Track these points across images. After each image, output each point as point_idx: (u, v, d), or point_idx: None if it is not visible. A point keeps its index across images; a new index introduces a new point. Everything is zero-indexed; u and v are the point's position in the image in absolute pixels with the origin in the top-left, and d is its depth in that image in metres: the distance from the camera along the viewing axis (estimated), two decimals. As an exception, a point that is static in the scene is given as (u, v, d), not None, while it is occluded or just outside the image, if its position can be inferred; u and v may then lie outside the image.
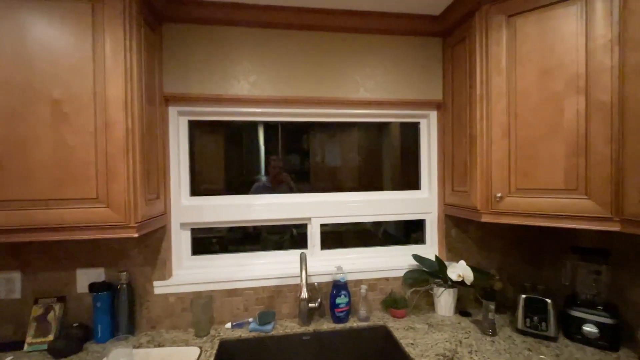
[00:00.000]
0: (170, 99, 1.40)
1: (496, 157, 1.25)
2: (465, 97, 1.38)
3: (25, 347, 1.21)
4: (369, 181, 2.47)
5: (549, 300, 1.26)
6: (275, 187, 1.84)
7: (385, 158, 2.37)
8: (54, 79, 1.01)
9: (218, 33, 1.40)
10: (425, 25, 1.52)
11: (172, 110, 1.43)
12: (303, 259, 1.27)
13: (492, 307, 1.30)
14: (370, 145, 2.59)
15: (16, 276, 1.28)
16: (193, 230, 1.52)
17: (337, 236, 1.89)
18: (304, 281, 1.19)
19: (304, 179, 2.28)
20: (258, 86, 1.43)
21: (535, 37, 1.16)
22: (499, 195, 1.23)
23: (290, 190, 1.84)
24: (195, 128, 2.09)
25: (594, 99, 1.05)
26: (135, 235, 1.07)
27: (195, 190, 1.55)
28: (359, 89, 1.52)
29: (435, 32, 1.54)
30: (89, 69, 1.03)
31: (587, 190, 1.07)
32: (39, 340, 1.23)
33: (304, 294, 1.16)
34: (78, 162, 1.03)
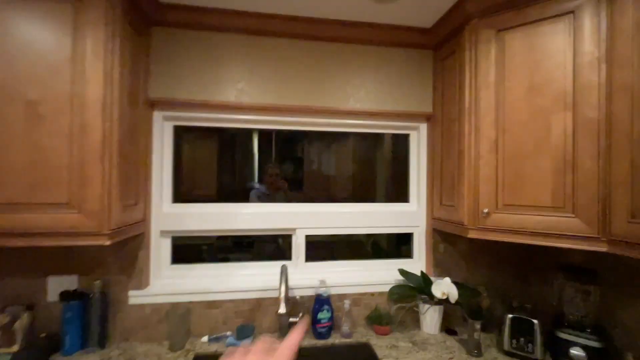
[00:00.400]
0: (155, 104, 1.38)
1: (484, 172, 1.23)
2: (454, 110, 1.37)
3: (-12, 358, 1.15)
4: (359, 192, 2.45)
5: (535, 321, 1.22)
6: (272, 194, 1.82)
7: (376, 169, 2.35)
8: (31, 80, 0.98)
9: (207, 39, 1.39)
10: (416, 38, 1.52)
11: (157, 115, 1.41)
12: (284, 272, 1.23)
13: (478, 326, 1.26)
14: (361, 156, 2.58)
15: (-16, 282, 1.23)
16: (178, 238, 1.48)
17: (325, 246, 1.85)
18: (282, 295, 1.15)
19: (294, 187, 2.25)
20: (246, 93, 1.41)
21: (523, 53, 1.15)
22: (486, 211, 1.20)
23: (287, 197, 1.82)
24: (185, 134, 2.07)
25: (581, 116, 1.04)
26: (107, 243, 1.03)
27: (184, 197, 1.51)
28: (349, 99, 1.50)
29: (427, 44, 1.54)
30: (67, 70, 1.00)
31: (574, 208, 1.05)
32: (3, 350, 1.17)
33: (282, 309, 1.11)
34: (51, 166, 0.99)
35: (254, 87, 1.42)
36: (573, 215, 1.05)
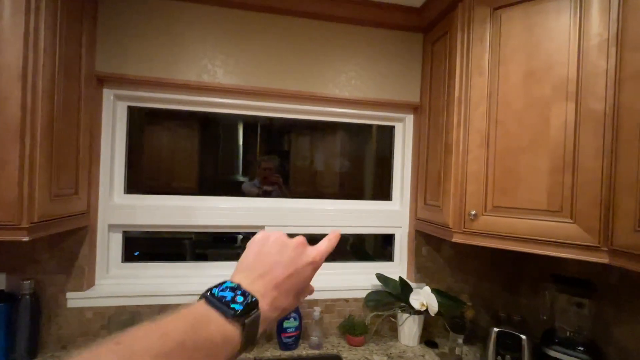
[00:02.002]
0: (104, 80, 1.21)
1: (472, 169, 1.09)
2: (442, 100, 1.22)
3: None
4: (342, 187, 2.30)
5: (523, 337, 1.10)
6: (266, 190, 1.66)
7: (359, 164, 2.20)
8: None
9: (167, 8, 1.21)
10: (404, 19, 1.36)
11: (107, 93, 1.23)
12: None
13: (460, 341, 1.13)
14: (348, 149, 2.42)
15: None
16: (152, 232, 1.32)
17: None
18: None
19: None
20: (209, 72, 1.25)
21: (521, 34, 1.01)
22: (473, 213, 1.07)
23: (282, 193, 1.67)
24: (160, 120, 1.89)
25: (584, 107, 0.90)
26: (26, 238, 0.86)
27: (155, 188, 1.36)
28: (328, 84, 1.35)
29: (416, 26, 1.39)
30: (-24, 28, 0.83)
31: (573, 213, 0.92)
32: None
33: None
34: (-46, 144, 0.82)
35: (219, 66, 1.25)
36: (571, 221, 0.92)
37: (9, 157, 0.85)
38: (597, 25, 0.89)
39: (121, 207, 1.27)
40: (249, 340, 0.34)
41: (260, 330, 0.36)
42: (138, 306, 1.20)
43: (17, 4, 0.85)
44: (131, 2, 1.18)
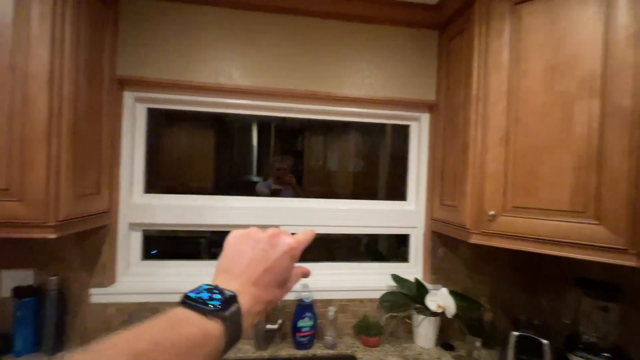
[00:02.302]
0: (125, 83, 1.24)
1: (491, 169, 1.06)
2: (459, 98, 1.20)
3: None
4: (356, 187, 2.29)
5: (545, 342, 1.06)
6: (280, 189, 1.68)
7: (373, 164, 2.19)
8: (-36, 46, 0.85)
9: (185, 12, 1.24)
10: (420, 16, 1.34)
11: (128, 96, 1.27)
12: (258, 275, 1.09)
13: (478, 344, 1.10)
14: (362, 149, 2.41)
15: None
16: (170, 231, 1.35)
17: (315, 244, 1.71)
18: (254, 302, 1.01)
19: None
20: (226, 74, 1.26)
21: (543, 28, 0.97)
22: (491, 213, 1.04)
23: (295, 194, 1.68)
24: (179, 122, 1.93)
25: (611, 103, 0.87)
26: (53, 236, 0.90)
27: (170, 188, 1.39)
28: (343, 84, 1.34)
29: (431, 24, 1.36)
30: (7, 36, 0.87)
31: (598, 213, 0.88)
32: (-54, 350, 1.06)
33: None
34: (-14, 147, 0.86)
35: (235, 68, 1.27)
36: (596, 222, 0.88)
37: (37, 158, 0.89)
38: (626, 17, 0.85)
39: (141, 207, 1.30)
40: (235, 333, 0.34)
41: (247, 323, 0.36)
42: (158, 303, 1.23)
43: (44, 11, 0.89)
44: (150, 7, 1.21)
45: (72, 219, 0.98)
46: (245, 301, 0.37)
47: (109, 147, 1.20)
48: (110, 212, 1.22)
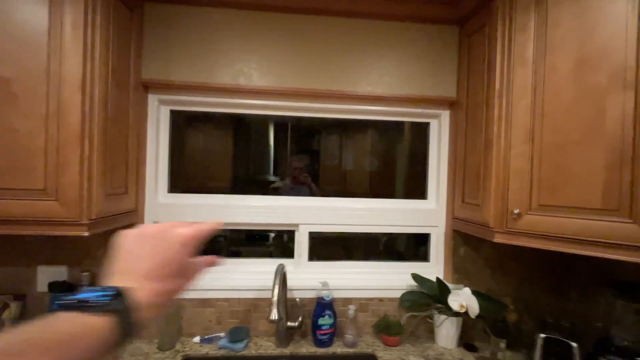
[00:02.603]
0: (149, 86, 1.29)
1: (515, 166, 1.04)
2: (481, 94, 1.17)
3: (-25, 348, 1.11)
4: (375, 187, 2.27)
5: (574, 344, 1.03)
6: (296, 188, 1.70)
7: (395, 163, 2.17)
8: (4, 55, 0.90)
9: (205, 15, 1.27)
10: (439, 12, 1.32)
11: (152, 99, 1.31)
12: (279, 272, 1.11)
13: (503, 345, 1.08)
14: (379, 149, 2.39)
15: (-25, 269, 1.20)
16: None
17: (331, 243, 1.72)
18: (275, 298, 1.02)
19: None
20: (245, 75, 1.29)
21: (571, 20, 0.94)
22: (516, 211, 1.01)
23: (311, 192, 1.70)
24: (197, 122, 1.98)
25: (646, 97, 0.83)
26: (86, 234, 0.95)
27: (190, 188, 1.44)
28: (360, 82, 1.34)
29: (451, 19, 1.34)
30: (43, 43, 0.92)
31: (632, 212, 0.84)
32: (-10, 340, 1.13)
33: (274, 315, 0.99)
34: (25, 149, 0.91)
35: (254, 68, 1.29)
36: (630, 221, 0.85)
37: (71, 159, 0.93)
38: (661, 5, 0.81)
39: (165, 206, 1.34)
40: (128, 326, 0.35)
41: (148, 315, 0.38)
42: (183, 299, 1.26)
43: (76, 19, 0.93)
44: (173, 12, 1.25)
45: (102, 217, 1.02)
46: (141, 295, 0.37)
47: (135, 148, 1.24)
48: (137, 210, 1.27)
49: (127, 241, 0.42)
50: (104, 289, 0.36)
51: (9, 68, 0.90)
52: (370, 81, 1.34)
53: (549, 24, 0.98)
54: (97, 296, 0.35)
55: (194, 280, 0.45)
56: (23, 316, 1.20)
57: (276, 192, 1.81)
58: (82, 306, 0.34)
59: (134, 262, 0.40)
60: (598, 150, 0.89)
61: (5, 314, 1.16)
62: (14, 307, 1.18)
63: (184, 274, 0.43)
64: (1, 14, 0.90)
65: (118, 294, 0.36)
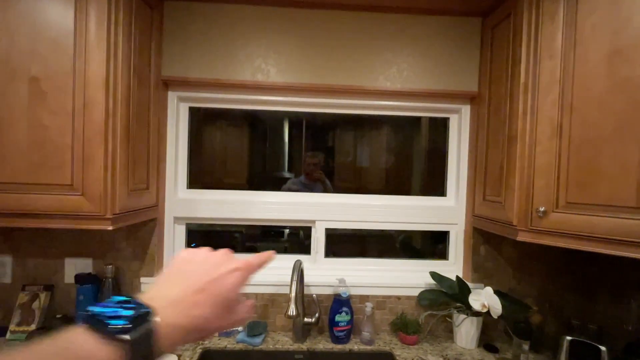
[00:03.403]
0: (169, 83, 1.31)
1: (541, 162, 1.00)
2: (505, 87, 1.13)
3: (8, 335, 1.17)
4: (392, 184, 2.24)
5: (603, 348, 0.99)
6: (310, 184, 1.70)
7: (412, 159, 2.13)
8: (34, 54, 0.94)
9: (224, 12, 1.27)
10: (460, 3, 1.28)
11: (172, 96, 1.34)
12: (296, 268, 1.11)
13: (526, 347, 1.05)
14: (396, 144, 2.36)
15: (7, 260, 1.26)
16: (208, 225, 1.44)
17: (348, 240, 1.71)
18: (293, 294, 1.03)
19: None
20: (262, 72, 1.29)
21: (604, 8, 0.89)
22: (542, 209, 0.98)
23: (325, 189, 1.69)
24: (213, 119, 2.01)
25: (688, 88, 0.78)
26: (110, 228, 0.98)
27: (207, 183, 1.47)
28: (378, 77, 1.32)
29: (473, 11, 1.30)
30: (69, 43, 0.94)
31: (670, 210, 0.80)
32: (21, 328, 1.18)
33: (292, 311, 1.00)
34: (54, 145, 0.95)
35: (272, 65, 1.29)
36: (667, 220, 0.80)
37: (96, 155, 0.96)
38: None
39: (184, 201, 1.37)
40: (143, 354, 0.30)
41: (168, 341, 0.32)
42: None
43: (100, 19, 0.95)
44: (192, 9, 1.26)
45: (126, 212, 1.05)
46: (168, 314, 0.33)
47: (156, 145, 1.27)
48: (157, 206, 1.30)
49: (183, 262, 0.40)
50: (136, 305, 0.32)
51: (39, 67, 0.93)
52: (389, 76, 1.32)
53: (580, 13, 0.93)
54: (120, 316, 0.31)
55: (235, 321, 0.39)
56: (51, 306, 1.25)
57: (286, 186, 1.78)
58: (100, 327, 0.30)
59: (186, 276, 0.37)
60: (632, 145, 0.84)
61: (35, 304, 1.22)
62: (43, 297, 1.23)
63: (227, 307, 0.38)
64: (30, 16, 0.94)
65: (145, 316, 0.32)
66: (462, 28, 1.32)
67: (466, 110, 1.39)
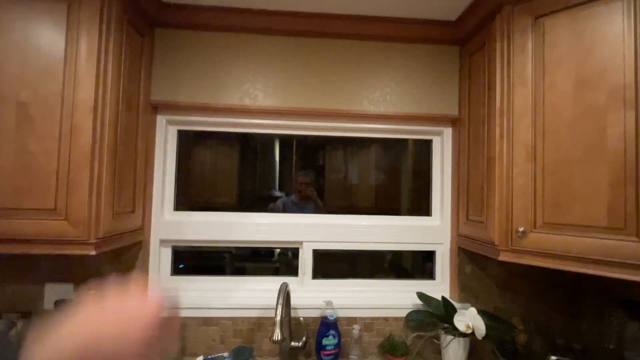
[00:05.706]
0: (158, 107, 1.33)
1: (519, 183, 1.04)
2: (482, 112, 1.19)
3: (-19, 366, 1.12)
4: (380, 204, 2.27)
5: (587, 368, 0.99)
6: (301, 203, 1.71)
7: (399, 178, 2.17)
8: (23, 80, 0.95)
9: (212, 39, 1.32)
10: (439, 32, 1.36)
11: (161, 119, 1.35)
12: (282, 291, 1.10)
13: (512, 368, 1.05)
14: (385, 162, 2.40)
15: (-16, 287, 1.22)
16: (197, 246, 1.43)
17: (336, 260, 1.70)
18: (278, 318, 1.02)
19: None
20: (250, 96, 1.32)
21: (568, 41, 0.96)
22: (521, 229, 1.01)
23: (317, 206, 1.70)
24: (203, 140, 2.02)
25: (647, 115, 0.83)
26: (93, 252, 0.96)
27: (196, 205, 1.47)
28: (362, 101, 1.37)
29: (451, 39, 1.37)
30: (59, 70, 0.96)
31: (639, 230, 0.83)
32: (-4, 359, 1.13)
33: (277, 335, 0.98)
34: (39, 170, 0.95)
35: (259, 89, 1.33)
36: (637, 240, 0.84)
37: (81, 179, 0.96)
38: (657, 26, 0.83)
39: (171, 223, 1.36)
40: None
41: None
42: (186, 317, 1.26)
43: (91, 48, 0.98)
44: (182, 37, 1.30)
45: (110, 236, 1.04)
46: None
47: (143, 168, 1.27)
48: (143, 229, 1.29)
49: (77, 314, 0.35)
50: None
51: (27, 93, 0.95)
52: (373, 100, 1.37)
53: (547, 45, 1.00)
54: None
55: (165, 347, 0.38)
56: (27, 334, 1.20)
57: (275, 204, 1.79)
58: None
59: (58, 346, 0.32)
60: (601, 167, 0.89)
61: (13, 332, 1.18)
62: (20, 325, 1.19)
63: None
64: (21, 43, 0.96)
65: None
66: (442, 55, 1.39)
67: (448, 132, 1.44)
